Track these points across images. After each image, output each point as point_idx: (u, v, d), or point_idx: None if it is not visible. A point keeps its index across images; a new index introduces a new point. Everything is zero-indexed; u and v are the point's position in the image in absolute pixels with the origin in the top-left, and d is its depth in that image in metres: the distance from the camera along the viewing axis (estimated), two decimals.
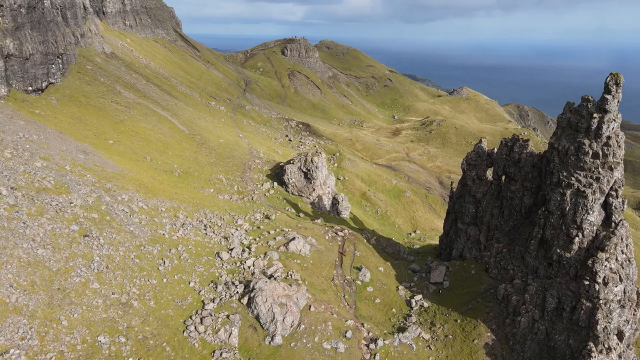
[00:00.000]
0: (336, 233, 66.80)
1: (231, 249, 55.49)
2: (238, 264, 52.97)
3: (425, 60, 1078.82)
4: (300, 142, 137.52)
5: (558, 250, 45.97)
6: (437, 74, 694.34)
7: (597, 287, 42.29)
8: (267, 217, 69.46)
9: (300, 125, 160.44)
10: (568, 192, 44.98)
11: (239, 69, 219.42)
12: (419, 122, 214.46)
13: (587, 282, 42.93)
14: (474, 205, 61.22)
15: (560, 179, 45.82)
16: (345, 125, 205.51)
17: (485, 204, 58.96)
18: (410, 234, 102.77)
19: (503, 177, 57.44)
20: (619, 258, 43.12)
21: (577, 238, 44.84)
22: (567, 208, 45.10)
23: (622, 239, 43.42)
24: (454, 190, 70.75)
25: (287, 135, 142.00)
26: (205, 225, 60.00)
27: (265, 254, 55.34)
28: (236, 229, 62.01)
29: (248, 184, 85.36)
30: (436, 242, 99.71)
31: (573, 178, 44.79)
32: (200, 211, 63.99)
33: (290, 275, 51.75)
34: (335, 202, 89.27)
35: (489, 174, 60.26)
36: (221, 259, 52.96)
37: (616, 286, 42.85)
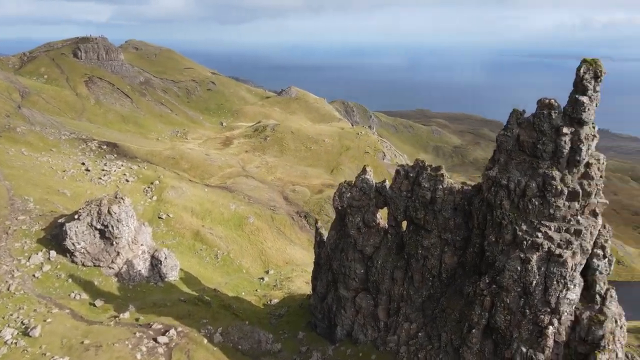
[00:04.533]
0: (155, 340, 40.58)
1: None
2: None
3: (244, 61, 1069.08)
4: (104, 170, 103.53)
5: (523, 349, 28.41)
6: (259, 75, 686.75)
7: None
8: (27, 332, 39.51)
9: (105, 147, 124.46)
10: (534, 258, 27.59)
11: (11, 76, 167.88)
12: (251, 127, 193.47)
13: None
14: (362, 264, 41.47)
15: (517, 235, 28.27)
16: (166, 139, 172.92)
17: (380, 264, 39.59)
18: (263, 278, 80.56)
19: (404, 224, 38.82)
20: (619, 354, 27.23)
21: (551, 328, 27.80)
22: (534, 282, 27.73)
23: (616, 322, 27.64)
24: (322, 236, 50.38)
25: (83, 163, 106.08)
26: None
27: None
28: None
29: (2, 261, 52.57)
30: (296, 285, 79.38)
31: (540, 234, 27.53)
32: None
33: None
34: (155, 262, 61.83)
35: (381, 218, 41.08)
36: None
37: None
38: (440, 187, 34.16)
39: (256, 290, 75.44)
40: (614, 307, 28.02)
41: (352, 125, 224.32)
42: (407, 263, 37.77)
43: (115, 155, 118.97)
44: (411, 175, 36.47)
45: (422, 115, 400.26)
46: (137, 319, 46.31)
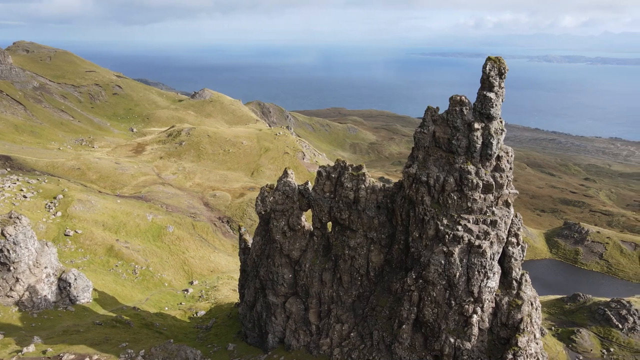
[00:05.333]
0: None
1: None
2: None
3: (154, 63, 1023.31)
4: None
5: (451, 339, 29.28)
6: (169, 77, 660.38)
7: None
8: None
9: None
10: (456, 251, 28.47)
11: None
12: (165, 133, 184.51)
13: None
14: (290, 268, 40.63)
15: (439, 230, 28.98)
16: (69, 149, 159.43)
17: (308, 267, 39.01)
18: (187, 290, 76.88)
19: (330, 225, 38.56)
20: (537, 334, 28.94)
21: (475, 316, 28.90)
22: (457, 274, 28.62)
23: (532, 304, 29.36)
24: (247, 242, 48.96)
25: None
26: None
27: None
28: None
29: None
30: (223, 294, 76.69)
31: (460, 227, 28.43)
32: None
33: None
34: (64, 285, 56.38)
35: (306, 221, 40.45)
36: None
37: None
38: (363, 186, 34.29)
39: (180, 303, 71.81)
40: (529, 291, 29.78)
41: (270, 126, 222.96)
42: (335, 264, 37.55)
43: (9, 170, 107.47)
44: (333, 176, 36.26)
45: (338, 114, 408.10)
46: (44, 352, 41.68)
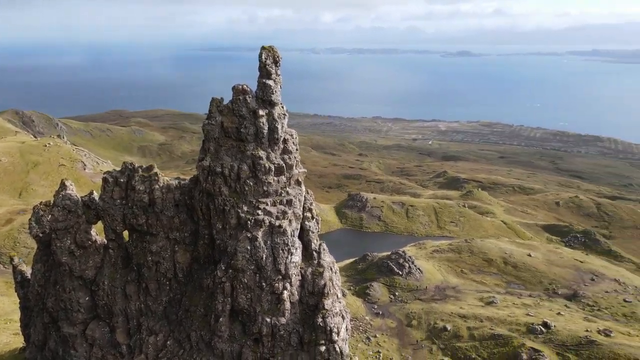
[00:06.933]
0: None
1: None
2: None
3: None
4: None
5: (267, 319, 30.51)
6: None
7: (338, 347, 30.21)
8: None
9: None
10: (260, 234, 29.49)
11: None
12: None
13: (323, 348, 30.07)
14: (85, 290, 36.13)
15: (241, 217, 29.51)
16: None
17: (108, 284, 35.34)
18: None
19: (126, 234, 35.46)
20: (339, 295, 32.31)
21: (285, 292, 30.69)
22: (264, 256, 29.78)
23: (331, 269, 32.60)
24: (24, 274, 41.83)
25: None
26: None
27: None
28: None
29: None
30: (2, 342, 63.86)
31: (260, 212, 29.49)
32: None
33: None
34: None
35: (97, 235, 36.29)
36: None
37: (347, 329, 32.26)
38: (157, 186, 32.55)
39: None
40: (327, 258, 33.01)
41: (36, 137, 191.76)
42: (138, 274, 34.93)
43: None
44: (122, 180, 33.42)
45: (119, 116, 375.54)
46: None
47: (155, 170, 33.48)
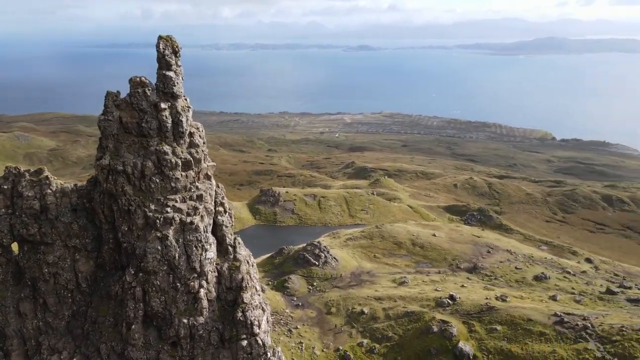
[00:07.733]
0: None
1: None
2: None
3: None
4: None
5: (184, 320, 29.33)
6: None
7: (260, 340, 29.92)
8: None
9: None
10: (170, 233, 28.13)
11: None
12: None
13: (245, 342, 29.62)
14: None
15: (148, 217, 27.89)
16: None
17: None
18: None
19: (15, 247, 31.88)
20: (257, 287, 31.97)
21: (202, 290, 29.70)
22: (177, 255, 28.50)
23: (248, 262, 32.12)
24: None
25: None
26: None
27: None
28: None
29: None
30: None
31: (169, 209, 28.09)
32: None
33: None
34: None
35: None
36: None
37: (268, 321, 32.08)
38: (49, 191, 29.67)
39: None
40: (243, 251, 32.49)
41: None
42: (33, 289, 31.67)
43: None
44: (6, 187, 29.98)
45: None
46: None
47: (46, 173, 30.50)
